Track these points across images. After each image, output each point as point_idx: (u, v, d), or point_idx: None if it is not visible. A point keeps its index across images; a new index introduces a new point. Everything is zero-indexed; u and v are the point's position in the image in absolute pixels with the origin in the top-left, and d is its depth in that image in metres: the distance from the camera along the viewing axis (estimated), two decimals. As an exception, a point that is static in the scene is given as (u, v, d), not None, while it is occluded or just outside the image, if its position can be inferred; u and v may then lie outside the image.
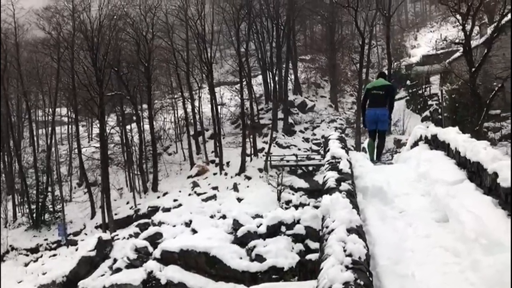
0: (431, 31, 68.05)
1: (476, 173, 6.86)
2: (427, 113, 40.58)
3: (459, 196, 6.43)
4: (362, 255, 4.28)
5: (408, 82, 47.64)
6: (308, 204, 31.72)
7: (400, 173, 8.64)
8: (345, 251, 4.24)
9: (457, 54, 39.03)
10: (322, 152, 32.23)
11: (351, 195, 6.30)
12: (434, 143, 9.51)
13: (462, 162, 7.53)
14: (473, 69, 27.91)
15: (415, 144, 11.10)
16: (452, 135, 8.38)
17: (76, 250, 28.46)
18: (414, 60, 53.94)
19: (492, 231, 5.22)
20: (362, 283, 3.83)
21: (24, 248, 32.30)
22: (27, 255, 31.75)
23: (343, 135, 11.05)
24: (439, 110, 37.19)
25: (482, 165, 6.50)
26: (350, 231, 4.71)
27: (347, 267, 4.02)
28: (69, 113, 49.06)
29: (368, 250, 4.77)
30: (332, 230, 4.78)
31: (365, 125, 10.49)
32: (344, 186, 6.43)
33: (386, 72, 43.73)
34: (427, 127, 11.51)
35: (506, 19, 28.90)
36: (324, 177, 7.32)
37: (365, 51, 42.42)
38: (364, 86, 10.36)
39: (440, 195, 6.67)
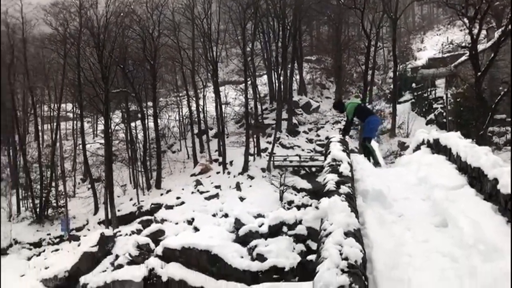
0: (437, 34, 67.70)
1: (476, 178, 6.85)
2: (431, 116, 40.45)
3: (458, 201, 6.43)
4: (359, 259, 4.27)
5: (413, 85, 47.48)
6: (311, 205, 31.58)
7: (400, 177, 8.65)
8: (341, 254, 4.23)
9: (463, 58, 38.80)
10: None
11: (351, 198, 6.30)
12: (436, 147, 9.50)
13: (463, 167, 7.53)
14: (479, 73, 27.84)
15: (418, 147, 11.10)
16: (453, 140, 8.38)
17: (79, 245, 28.53)
18: (420, 63, 53.65)
19: (490, 238, 5.22)
20: (357, 287, 3.83)
21: (27, 242, 32.47)
22: (30, 249, 31.91)
23: (346, 136, 11.20)
24: (444, 114, 37.05)
25: (483, 170, 6.49)
26: (347, 234, 4.71)
27: (342, 271, 4.01)
28: (74, 109, 49.26)
29: (365, 254, 4.78)
30: (330, 233, 4.79)
31: (365, 133, 10.95)
32: (344, 189, 6.42)
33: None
34: (430, 131, 11.51)
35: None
36: (324, 179, 7.32)
37: (371, 53, 42.38)
38: (347, 101, 11.20)
39: (440, 199, 6.66)
